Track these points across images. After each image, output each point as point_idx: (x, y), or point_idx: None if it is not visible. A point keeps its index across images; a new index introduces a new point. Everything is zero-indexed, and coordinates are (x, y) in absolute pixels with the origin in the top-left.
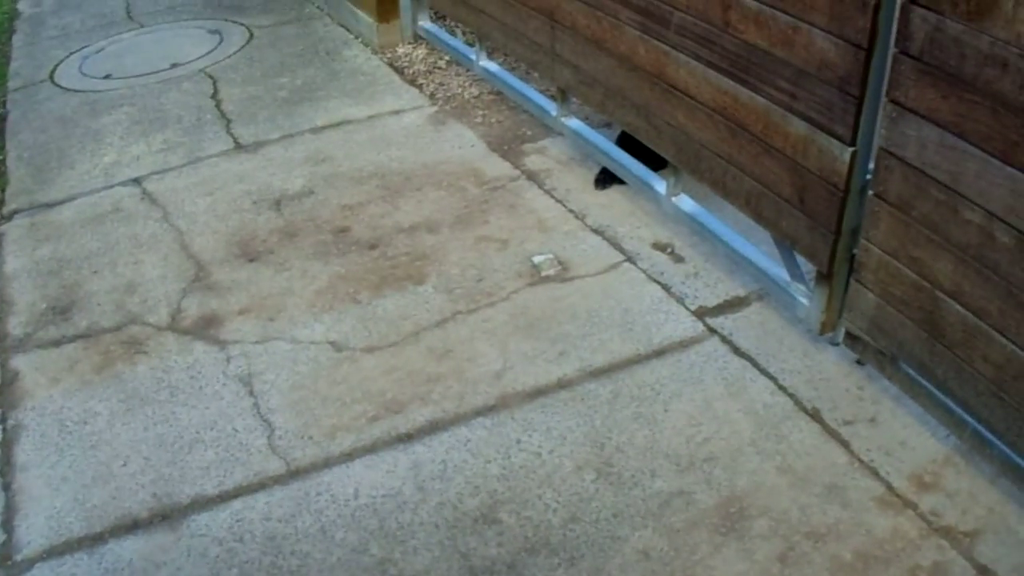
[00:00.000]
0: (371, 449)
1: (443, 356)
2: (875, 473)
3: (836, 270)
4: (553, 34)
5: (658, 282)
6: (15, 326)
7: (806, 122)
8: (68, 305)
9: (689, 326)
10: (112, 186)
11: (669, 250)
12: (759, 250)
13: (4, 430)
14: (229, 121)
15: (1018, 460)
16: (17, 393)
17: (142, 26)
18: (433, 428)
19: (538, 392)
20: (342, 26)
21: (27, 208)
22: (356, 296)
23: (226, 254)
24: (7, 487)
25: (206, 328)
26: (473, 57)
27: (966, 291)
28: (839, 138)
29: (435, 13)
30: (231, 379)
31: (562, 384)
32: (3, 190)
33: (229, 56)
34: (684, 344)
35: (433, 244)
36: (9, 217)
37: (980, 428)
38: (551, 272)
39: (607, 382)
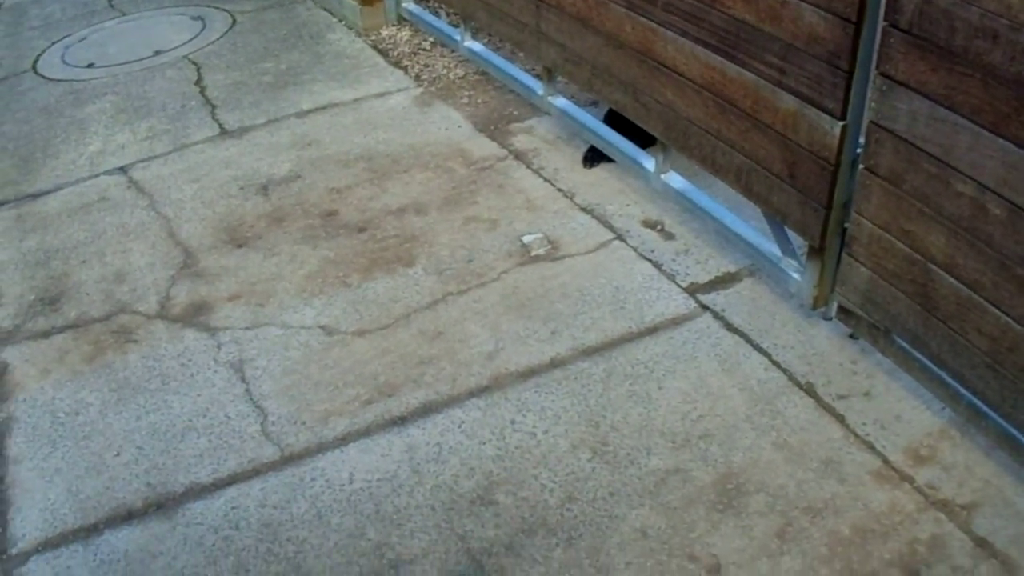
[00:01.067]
0: (365, 433)
1: (435, 338)
2: (871, 447)
3: (828, 244)
4: (538, 13)
5: (649, 259)
6: (4, 318)
7: (796, 97)
8: (57, 296)
9: (681, 303)
10: (98, 175)
11: (659, 227)
12: (750, 226)
13: None
14: (214, 107)
15: (1014, 432)
16: (8, 385)
17: (124, 14)
18: (427, 410)
19: (531, 372)
20: (325, 9)
21: (13, 199)
22: (346, 280)
23: (214, 240)
24: (0, 480)
25: (196, 315)
26: (458, 38)
27: (959, 263)
28: (829, 112)
29: None
30: (222, 366)
31: (555, 363)
32: None
33: (212, 42)
34: (676, 321)
35: (422, 226)
36: None
37: (975, 400)
38: (541, 251)
39: (600, 360)
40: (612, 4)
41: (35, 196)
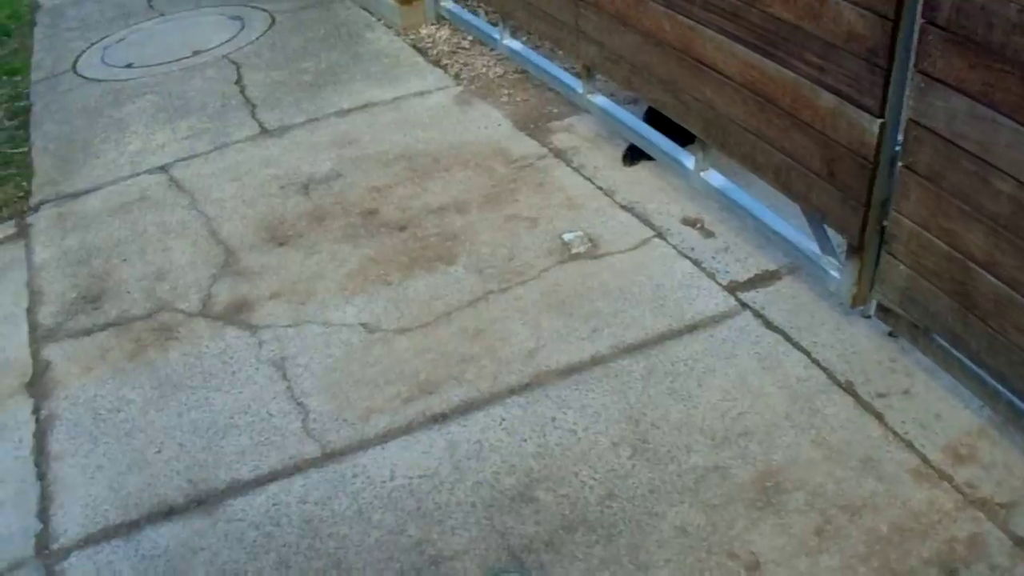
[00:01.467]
0: (406, 430)
1: (476, 336)
2: (910, 445)
3: (867, 242)
4: (577, 11)
5: (689, 257)
6: (46, 316)
7: (834, 95)
8: (98, 294)
9: (721, 301)
10: (138, 174)
11: (699, 225)
12: (789, 224)
13: (38, 420)
14: (254, 106)
15: None
16: (50, 383)
17: (163, 14)
18: (468, 408)
19: (572, 370)
20: (364, 8)
21: (54, 199)
22: (387, 278)
23: (255, 239)
24: (42, 476)
25: (237, 313)
26: (497, 36)
27: (998, 261)
28: (868, 110)
29: None
30: (264, 363)
31: (596, 361)
32: (29, 181)
33: (252, 42)
34: (716, 319)
35: (462, 224)
36: (36, 208)
37: (1014, 399)
38: (582, 249)
39: (641, 358)
40: (651, 2)
41: (76, 195)
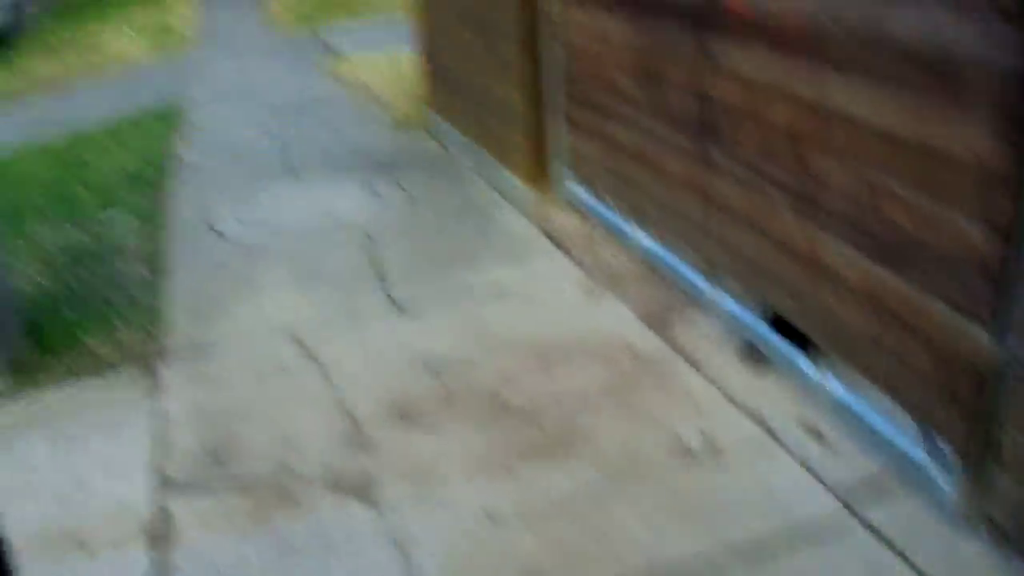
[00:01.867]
0: None
1: (593, 530)
2: None
3: (978, 456)
4: (707, 211)
5: (803, 463)
6: (172, 470)
7: (949, 306)
8: (223, 452)
9: (831, 509)
10: (268, 337)
11: (815, 430)
12: (903, 433)
13: (156, 570)
14: (385, 280)
15: None
16: (172, 536)
17: (299, 179)
18: None
19: (684, 571)
20: (495, 188)
21: (184, 351)
22: (509, 465)
23: (381, 414)
24: None
25: (360, 486)
26: (626, 229)
27: None
28: (982, 322)
29: (587, 182)
30: (383, 538)
31: (708, 564)
32: (161, 332)
33: (384, 213)
34: (826, 527)
35: (585, 416)
36: (167, 359)
37: None
38: (700, 450)
39: (752, 564)
40: (778, 207)
41: (206, 350)
